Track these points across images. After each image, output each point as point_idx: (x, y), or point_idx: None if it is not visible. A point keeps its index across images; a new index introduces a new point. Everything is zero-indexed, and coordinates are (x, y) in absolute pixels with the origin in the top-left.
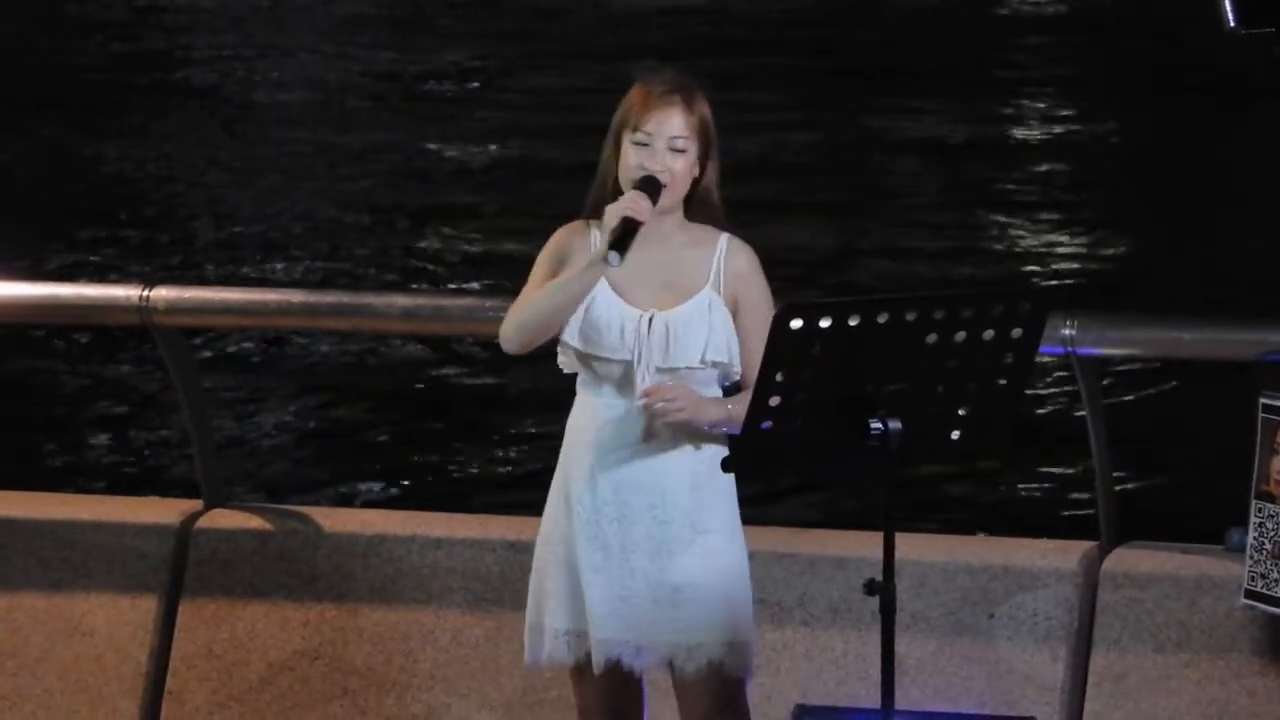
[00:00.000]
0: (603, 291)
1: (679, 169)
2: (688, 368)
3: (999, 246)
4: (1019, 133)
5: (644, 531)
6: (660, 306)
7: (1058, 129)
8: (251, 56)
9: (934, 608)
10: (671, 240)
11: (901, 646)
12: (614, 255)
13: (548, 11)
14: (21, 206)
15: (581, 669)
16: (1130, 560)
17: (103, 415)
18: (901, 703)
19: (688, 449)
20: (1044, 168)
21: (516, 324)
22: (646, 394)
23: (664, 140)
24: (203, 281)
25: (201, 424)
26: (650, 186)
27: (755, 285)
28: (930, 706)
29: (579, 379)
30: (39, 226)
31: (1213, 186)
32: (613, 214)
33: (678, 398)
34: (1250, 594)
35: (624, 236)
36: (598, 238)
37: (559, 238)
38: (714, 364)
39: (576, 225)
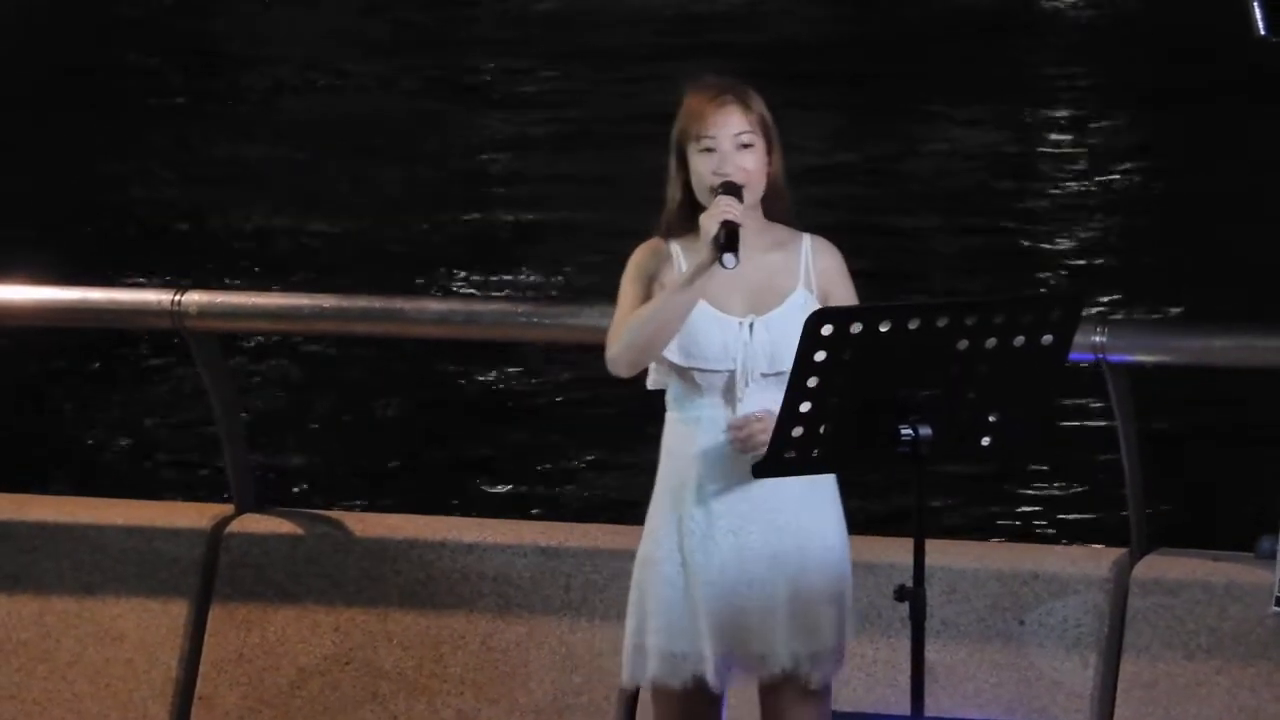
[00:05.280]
0: (697, 303)
1: (751, 166)
2: None
3: (1027, 253)
4: (1048, 135)
5: (761, 540)
6: (756, 312)
7: (1083, 132)
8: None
9: (964, 614)
10: (755, 244)
11: (931, 653)
12: (729, 257)
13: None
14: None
15: (671, 689)
16: (1161, 567)
17: (134, 419)
18: (931, 709)
19: None
20: (1072, 174)
21: (625, 345)
22: (734, 427)
23: (730, 141)
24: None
25: (233, 428)
26: (732, 189)
27: (843, 281)
28: (960, 713)
29: (671, 396)
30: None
31: (1242, 191)
32: (711, 220)
33: (768, 427)
34: None
35: (730, 240)
36: (679, 255)
37: (640, 258)
38: None
39: (653, 244)
